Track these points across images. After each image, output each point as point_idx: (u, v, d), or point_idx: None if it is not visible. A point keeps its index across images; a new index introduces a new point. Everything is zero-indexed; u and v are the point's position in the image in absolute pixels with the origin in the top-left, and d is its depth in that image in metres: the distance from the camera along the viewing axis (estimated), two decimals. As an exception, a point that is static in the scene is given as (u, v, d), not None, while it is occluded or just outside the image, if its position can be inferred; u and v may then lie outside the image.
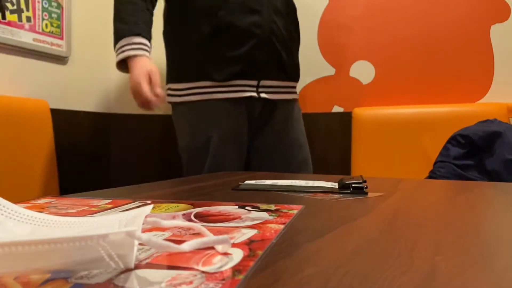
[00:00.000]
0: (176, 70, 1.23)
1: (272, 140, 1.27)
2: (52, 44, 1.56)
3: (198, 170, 1.20)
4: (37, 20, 1.50)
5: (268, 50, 1.18)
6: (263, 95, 1.21)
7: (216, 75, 1.17)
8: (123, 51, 1.15)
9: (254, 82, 1.20)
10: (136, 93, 1.14)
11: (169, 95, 1.25)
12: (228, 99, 1.18)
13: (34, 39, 1.49)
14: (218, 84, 1.18)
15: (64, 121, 1.62)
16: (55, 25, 1.57)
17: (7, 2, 1.39)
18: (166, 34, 1.26)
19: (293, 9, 1.29)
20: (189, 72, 1.20)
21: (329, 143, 1.71)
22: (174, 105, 1.26)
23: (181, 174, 1.24)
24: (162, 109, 1.92)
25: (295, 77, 1.31)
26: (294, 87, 1.32)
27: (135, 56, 1.14)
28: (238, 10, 1.15)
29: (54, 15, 1.57)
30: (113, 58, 1.24)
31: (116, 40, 1.18)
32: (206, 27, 1.16)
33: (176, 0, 1.21)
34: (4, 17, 1.38)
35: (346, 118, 1.68)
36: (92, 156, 1.80)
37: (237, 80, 1.18)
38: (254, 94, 1.20)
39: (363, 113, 1.63)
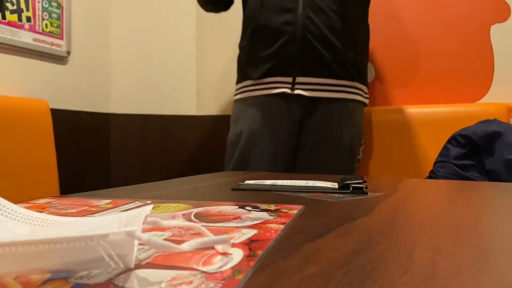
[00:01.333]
0: (237, 72, 1.36)
1: (314, 144, 1.25)
2: (52, 44, 1.56)
3: (228, 163, 1.29)
4: (37, 20, 1.50)
5: (302, 46, 1.18)
6: (297, 91, 1.20)
7: (253, 73, 1.25)
8: None
9: (289, 79, 1.21)
10: None
11: (234, 95, 1.36)
12: (264, 96, 1.23)
13: (34, 39, 1.49)
14: (255, 82, 1.25)
15: (64, 121, 1.62)
16: (55, 25, 1.57)
17: (7, 2, 1.39)
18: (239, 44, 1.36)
19: (343, 3, 1.21)
20: (240, 73, 1.33)
21: (329, 143, 1.71)
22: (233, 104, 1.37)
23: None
24: (162, 109, 1.93)
25: (347, 75, 1.23)
26: (348, 86, 1.24)
27: None
28: (272, 11, 1.20)
29: (54, 15, 1.57)
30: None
31: None
32: (249, 30, 1.26)
33: (243, 11, 1.33)
34: (4, 17, 1.38)
35: (346, 118, 1.68)
36: (92, 156, 1.80)
37: (271, 77, 1.22)
38: (288, 90, 1.21)
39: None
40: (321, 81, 1.21)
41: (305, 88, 1.21)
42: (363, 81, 1.30)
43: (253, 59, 1.25)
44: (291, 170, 1.26)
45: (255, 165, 1.22)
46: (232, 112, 1.35)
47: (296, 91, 1.20)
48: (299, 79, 1.20)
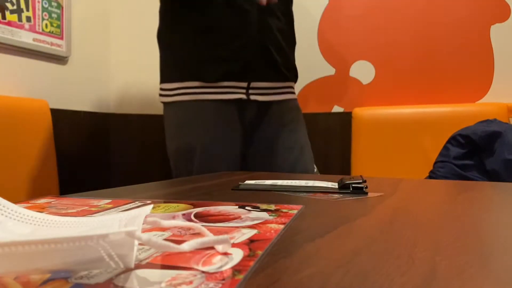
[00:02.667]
0: (167, 70, 1.21)
1: (269, 144, 1.23)
2: (52, 44, 1.57)
3: (186, 175, 1.17)
4: (37, 20, 1.50)
5: (258, 50, 1.14)
6: (253, 97, 1.17)
7: (205, 75, 1.14)
8: None
9: (244, 84, 1.16)
10: None
11: (160, 95, 1.23)
12: (217, 100, 1.15)
13: (34, 39, 1.49)
14: (207, 85, 1.15)
15: (64, 121, 1.62)
16: (55, 25, 1.57)
17: (7, 2, 1.39)
18: (159, 34, 1.23)
19: (287, 6, 1.23)
20: (178, 72, 1.18)
21: (329, 143, 1.71)
22: (165, 106, 1.24)
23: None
24: (161, 109, 1.93)
25: (292, 77, 1.26)
26: (291, 87, 1.28)
27: None
28: (225, 9, 1.11)
29: (54, 15, 1.57)
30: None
31: None
32: (194, 26, 1.13)
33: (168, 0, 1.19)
34: (4, 17, 1.38)
35: (346, 118, 1.68)
36: (92, 156, 1.80)
37: (226, 82, 1.15)
38: (244, 96, 1.16)
39: (363, 113, 1.63)
40: (273, 85, 1.20)
41: (259, 93, 1.18)
42: (296, 79, 1.31)
43: (201, 60, 1.14)
44: (245, 170, 1.23)
45: (217, 171, 1.15)
46: (172, 115, 1.21)
47: (252, 97, 1.17)
48: (253, 84, 1.17)
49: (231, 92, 1.16)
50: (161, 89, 1.23)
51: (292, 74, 1.27)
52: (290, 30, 1.25)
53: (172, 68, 1.20)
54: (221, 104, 1.16)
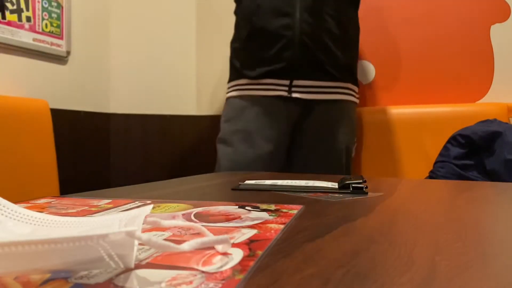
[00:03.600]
0: (230, 71, 1.36)
1: (311, 144, 1.27)
2: (52, 44, 1.56)
3: (220, 163, 1.27)
4: (37, 20, 1.50)
5: (300, 50, 1.19)
6: (295, 94, 1.22)
7: (249, 73, 1.25)
8: None
9: (286, 82, 1.22)
10: None
11: (226, 93, 1.37)
12: (261, 97, 1.24)
13: (34, 39, 1.49)
14: (251, 82, 1.25)
15: (64, 121, 1.62)
16: (55, 25, 1.57)
17: (7, 2, 1.39)
18: (231, 43, 1.37)
19: (336, 7, 1.23)
20: (233, 72, 1.32)
21: (329, 143, 1.71)
22: (225, 102, 1.37)
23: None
24: (162, 109, 1.93)
25: (341, 77, 1.27)
26: (346, 88, 1.28)
27: None
28: (270, 14, 1.20)
29: (54, 15, 1.57)
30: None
31: None
32: (244, 32, 1.27)
33: (236, 12, 1.34)
34: (4, 17, 1.38)
35: (346, 118, 1.68)
36: (92, 156, 1.80)
37: (268, 79, 1.23)
38: (285, 93, 1.22)
39: (362, 113, 1.63)
40: (317, 83, 1.24)
41: (302, 91, 1.23)
42: (355, 81, 1.34)
43: (248, 61, 1.26)
44: (288, 170, 1.28)
45: (251, 165, 1.22)
46: (224, 110, 1.34)
47: (294, 94, 1.22)
48: (296, 82, 1.22)
49: (273, 89, 1.24)
50: (227, 88, 1.37)
51: (342, 75, 1.27)
52: (341, 31, 1.25)
53: (231, 70, 1.35)
54: (263, 100, 1.24)
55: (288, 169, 1.29)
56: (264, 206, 0.46)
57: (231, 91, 1.32)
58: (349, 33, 1.29)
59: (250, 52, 1.26)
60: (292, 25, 1.19)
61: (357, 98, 1.36)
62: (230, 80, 1.34)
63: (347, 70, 1.29)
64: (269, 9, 1.21)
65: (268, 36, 1.21)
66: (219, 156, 1.30)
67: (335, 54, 1.24)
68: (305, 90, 1.23)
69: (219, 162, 1.29)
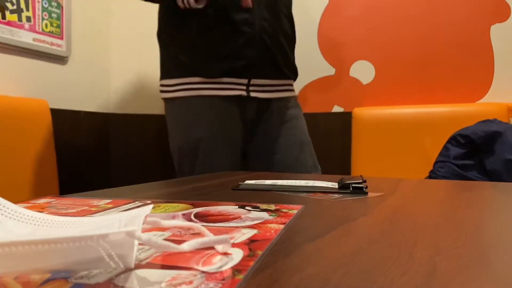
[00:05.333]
0: (168, 67, 1.23)
1: (269, 142, 1.24)
2: (52, 44, 1.57)
3: (189, 172, 1.18)
4: (37, 20, 1.50)
5: (259, 48, 1.16)
6: (253, 94, 1.19)
7: (205, 71, 1.16)
8: None
9: (244, 81, 1.18)
10: None
11: (161, 91, 1.24)
12: (218, 96, 1.17)
13: (34, 39, 1.49)
14: (207, 81, 1.16)
15: (64, 121, 1.62)
16: (55, 25, 1.57)
17: (7, 2, 1.39)
18: (159, 33, 1.25)
19: (287, 4, 1.25)
20: (179, 68, 1.19)
21: (329, 143, 1.71)
22: (166, 102, 1.25)
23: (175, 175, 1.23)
24: (161, 109, 1.93)
25: (291, 75, 1.29)
26: (290, 85, 1.30)
27: None
28: (228, 7, 1.13)
29: (54, 15, 1.57)
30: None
31: None
32: (195, 24, 1.14)
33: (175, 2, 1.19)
34: (4, 17, 1.38)
35: (346, 118, 1.68)
36: (92, 156, 1.80)
37: (226, 78, 1.16)
38: (244, 93, 1.18)
39: (363, 113, 1.63)
40: (273, 82, 1.23)
41: (259, 89, 1.21)
42: (296, 77, 1.34)
43: (202, 56, 1.16)
44: (245, 169, 1.25)
45: (217, 171, 1.18)
46: (175, 111, 1.22)
47: (252, 94, 1.19)
48: (254, 81, 1.19)
49: (231, 88, 1.17)
50: (162, 85, 1.24)
51: (292, 73, 1.30)
52: (291, 29, 1.28)
53: (172, 64, 1.21)
54: (222, 101, 1.17)
55: (245, 168, 1.25)
56: (264, 206, 0.46)
57: (179, 90, 1.19)
58: (295, 32, 1.30)
59: (204, 47, 1.15)
60: (251, 21, 1.14)
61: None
62: (173, 76, 1.20)
63: (294, 68, 1.30)
64: (226, 1, 1.12)
65: (227, 31, 1.13)
66: (182, 165, 1.21)
67: (287, 53, 1.25)
68: (263, 89, 1.21)
69: (182, 172, 1.21)
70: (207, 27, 1.14)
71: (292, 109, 1.29)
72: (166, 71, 1.23)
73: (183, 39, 1.17)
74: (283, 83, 1.26)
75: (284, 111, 1.27)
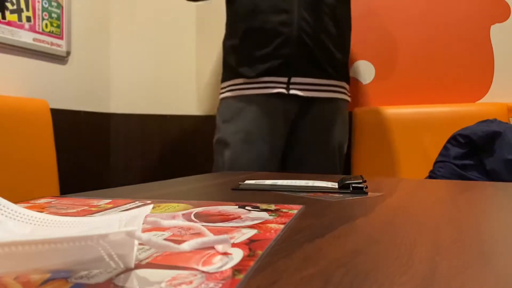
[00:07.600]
0: (223, 71, 1.35)
1: (306, 142, 1.28)
2: (52, 44, 1.56)
3: (219, 165, 1.27)
4: (37, 20, 1.50)
5: (298, 47, 1.19)
6: (293, 91, 1.22)
7: (247, 72, 1.24)
8: None
9: (284, 79, 1.22)
10: None
11: (219, 94, 1.35)
12: (259, 95, 1.23)
13: (34, 39, 1.49)
14: (249, 81, 1.24)
15: (64, 121, 1.62)
16: (55, 25, 1.57)
17: (7, 2, 1.39)
18: (223, 41, 1.36)
19: (332, 5, 1.25)
20: (229, 71, 1.30)
21: (329, 143, 1.71)
22: (219, 103, 1.35)
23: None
24: (162, 109, 1.93)
25: (338, 75, 1.28)
26: (338, 86, 1.29)
27: None
28: (268, 11, 1.20)
29: (54, 15, 1.57)
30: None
31: None
32: (240, 29, 1.25)
33: (227, 10, 1.33)
34: (4, 17, 1.38)
35: (346, 118, 1.68)
36: (92, 156, 1.80)
37: (266, 77, 1.22)
38: (284, 90, 1.22)
39: (363, 113, 1.63)
40: (315, 81, 1.24)
41: (300, 88, 1.23)
42: (348, 80, 1.36)
43: (245, 59, 1.25)
44: (282, 170, 1.29)
45: (250, 166, 1.22)
46: (220, 111, 1.32)
47: (292, 91, 1.22)
48: (294, 79, 1.22)
49: (272, 86, 1.23)
50: (220, 88, 1.35)
51: (339, 73, 1.29)
52: (336, 29, 1.27)
53: (225, 69, 1.33)
54: (263, 98, 1.23)
55: (282, 168, 1.30)
56: (264, 206, 0.46)
57: (226, 92, 1.30)
58: (343, 33, 1.31)
59: (247, 50, 1.24)
60: (290, 21, 1.19)
61: (349, 96, 1.38)
62: (225, 80, 1.32)
63: (342, 69, 1.31)
64: (267, 6, 1.20)
65: (266, 33, 1.20)
66: (217, 156, 1.29)
67: (332, 52, 1.26)
68: (303, 88, 1.23)
69: (217, 163, 1.29)
70: (249, 31, 1.23)
71: (334, 113, 1.30)
72: (223, 75, 1.35)
73: (231, 44, 1.30)
74: (327, 83, 1.26)
75: (325, 113, 1.28)
